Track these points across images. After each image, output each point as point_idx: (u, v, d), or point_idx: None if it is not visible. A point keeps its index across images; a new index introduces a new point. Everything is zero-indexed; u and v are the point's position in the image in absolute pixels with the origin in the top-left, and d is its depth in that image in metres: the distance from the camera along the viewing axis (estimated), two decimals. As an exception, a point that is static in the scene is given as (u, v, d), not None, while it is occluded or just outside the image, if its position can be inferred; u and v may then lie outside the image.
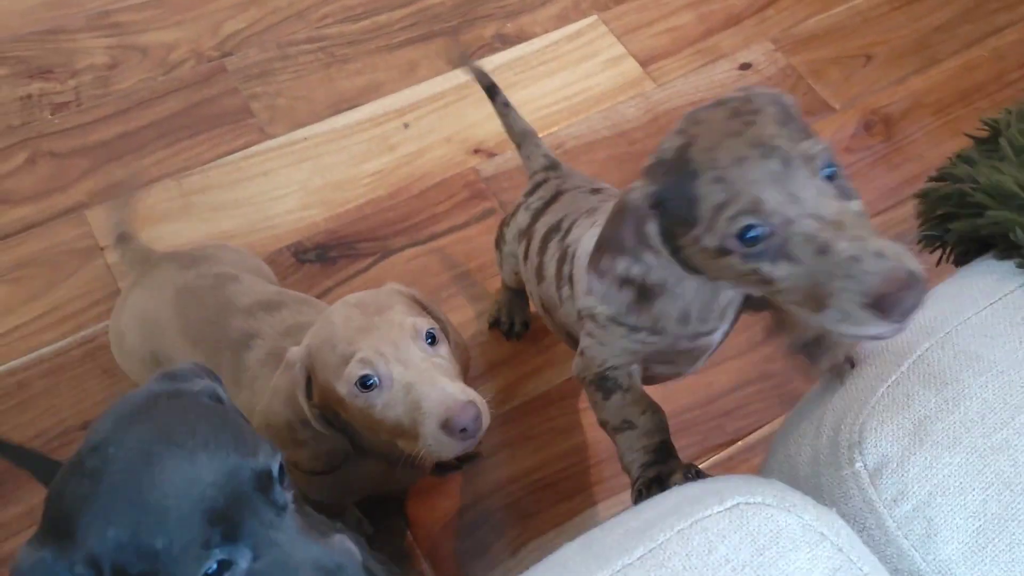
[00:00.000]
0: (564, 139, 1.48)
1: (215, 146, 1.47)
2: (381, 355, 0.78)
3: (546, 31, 1.64)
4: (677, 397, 1.18)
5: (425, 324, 0.81)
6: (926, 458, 0.55)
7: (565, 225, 0.90)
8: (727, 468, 1.15)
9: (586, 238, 0.83)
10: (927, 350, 0.60)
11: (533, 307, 1.07)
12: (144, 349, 1.03)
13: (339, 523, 0.72)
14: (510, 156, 1.45)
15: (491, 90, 1.15)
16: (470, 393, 0.78)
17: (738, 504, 0.55)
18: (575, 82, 1.56)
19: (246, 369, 0.93)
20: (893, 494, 0.55)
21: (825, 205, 0.55)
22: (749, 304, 0.74)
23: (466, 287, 1.32)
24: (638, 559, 0.53)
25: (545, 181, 1.07)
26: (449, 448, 0.77)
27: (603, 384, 0.77)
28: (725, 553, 0.52)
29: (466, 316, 1.29)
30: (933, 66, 1.60)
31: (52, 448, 1.13)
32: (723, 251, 0.57)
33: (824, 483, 0.59)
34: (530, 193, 1.07)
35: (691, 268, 0.63)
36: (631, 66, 1.59)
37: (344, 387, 0.78)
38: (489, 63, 1.59)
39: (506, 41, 1.63)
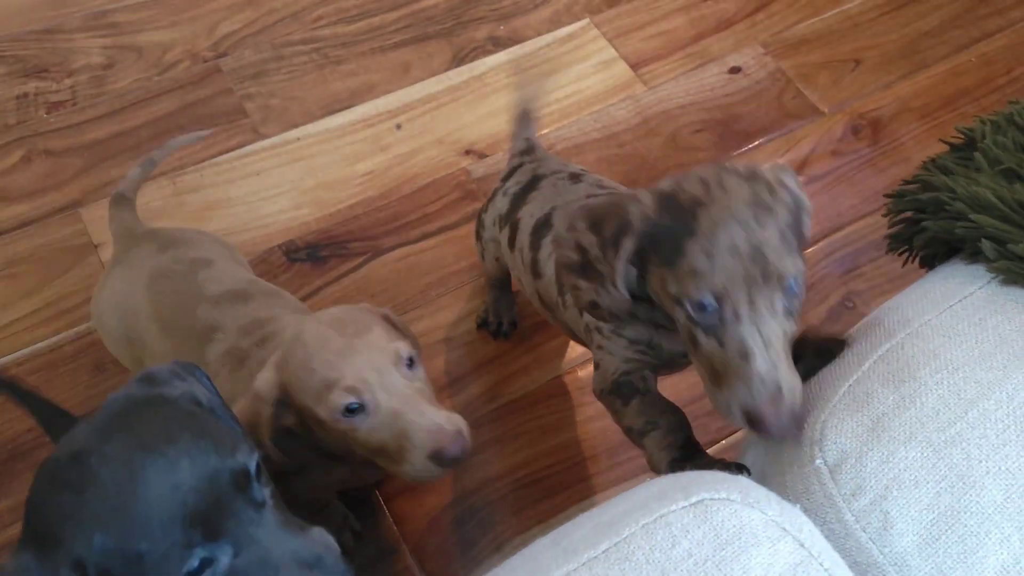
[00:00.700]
0: (555, 141, 1.50)
1: (209, 146, 1.48)
2: (365, 382, 0.77)
3: (539, 34, 1.66)
4: (661, 397, 1.19)
5: (406, 349, 0.81)
6: (883, 453, 0.56)
7: (556, 220, 0.92)
8: (710, 467, 1.17)
9: None
10: (888, 350, 0.61)
11: (516, 288, 1.07)
12: (120, 331, 1.03)
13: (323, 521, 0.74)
14: (501, 157, 1.46)
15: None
16: (456, 421, 0.79)
17: (703, 500, 0.56)
18: (566, 84, 1.58)
19: (206, 364, 0.93)
20: (852, 488, 0.57)
21: (767, 323, 0.62)
22: None
23: (455, 287, 1.33)
24: (603, 553, 0.54)
25: (520, 166, 1.09)
26: (434, 474, 0.78)
27: (620, 391, 0.79)
28: (688, 548, 0.54)
29: (455, 315, 1.31)
30: (921, 71, 1.62)
31: (44, 443, 1.15)
32: (677, 301, 0.65)
33: (788, 480, 0.61)
34: (507, 178, 1.09)
35: (643, 284, 0.69)
36: (622, 69, 1.61)
37: (325, 412, 0.78)
38: (482, 65, 1.60)
39: (499, 43, 1.64)
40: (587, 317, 0.84)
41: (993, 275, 0.64)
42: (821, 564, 0.54)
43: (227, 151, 1.48)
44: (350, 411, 0.77)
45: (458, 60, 1.61)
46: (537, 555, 0.60)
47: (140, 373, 0.68)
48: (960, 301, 0.62)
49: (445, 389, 1.23)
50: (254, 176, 1.46)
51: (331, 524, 1.03)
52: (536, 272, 0.96)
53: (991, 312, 0.61)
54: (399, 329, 0.86)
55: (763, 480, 0.62)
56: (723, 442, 1.20)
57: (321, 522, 0.69)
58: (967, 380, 0.57)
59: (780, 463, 0.62)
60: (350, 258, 1.36)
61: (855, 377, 0.61)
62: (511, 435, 1.21)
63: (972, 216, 0.64)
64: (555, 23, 1.67)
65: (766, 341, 0.62)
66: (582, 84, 1.59)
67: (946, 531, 0.54)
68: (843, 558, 0.56)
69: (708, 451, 0.71)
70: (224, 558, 0.60)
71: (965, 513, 0.54)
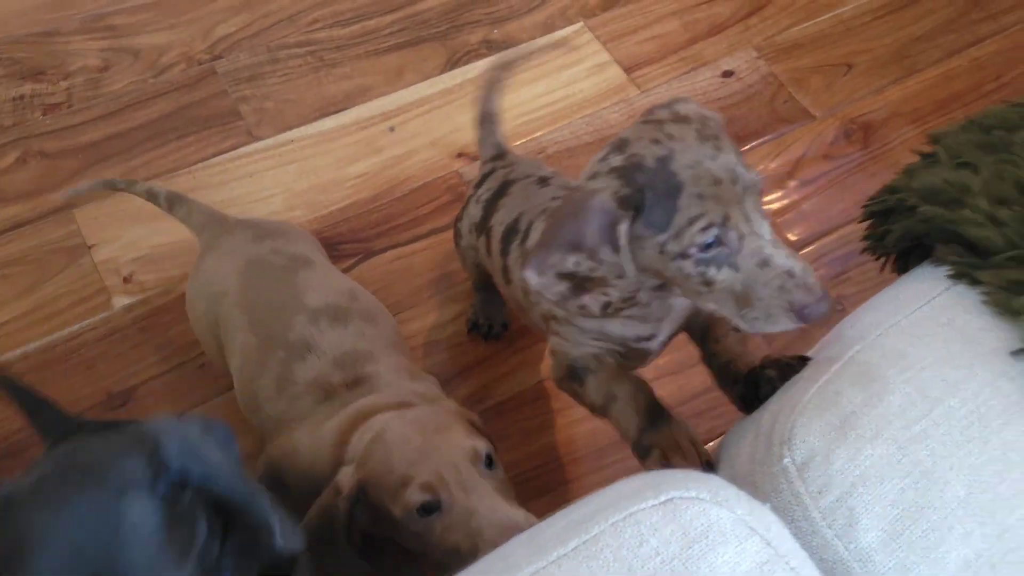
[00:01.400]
0: (546, 144, 1.51)
1: (203, 148, 1.49)
2: (442, 480, 0.75)
3: (532, 37, 1.67)
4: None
5: (484, 447, 0.80)
6: (850, 451, 0.57)
7: (523, 226, 0.92)
8: (697, 469, 1.17)
9: None
10: (858, 352, 0.62)
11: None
12: (208, 317, 1.02)
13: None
14: (492, 160, 1.48)
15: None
16: (532, 519, 0.76)
17: (672, 498, 0.57)
18: (559, 88, 1.59)
19: (293, 382, 0.92)
20: (818, 486, 0.58)
21: (765, 227, 0.66)
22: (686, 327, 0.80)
23: (446, 288, 1.34)
24: (572, 550, 0.55)
25: (492, 172, 1.09)
26: None
27: (575, 374, 0.81)
28: (655, 545, 0.54)
29: (445, 317, 1.31)
30: (913, 76, 1.62)
31: (35, 442, 1.16)
32: (682, 255, 0.65)
33: (759, 479, 0.61)
34: (479, 184, 1.09)
35: (641, 267, 0.68)
36: (615, 72, 1.62)
37: (400, 511, 0.76)
38: (476, 68, 1.61)
39: (493, 47, 1.65)
40: (543, 308, 0.83)
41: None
42: (788, 563, 0.55)
43: (221, 153, 1.49)
44: (426, 511, 0.75)
45: (452, 63, 1.62)
46: (510, 553, 0.60)
47: (73, 448, 0.64)
48: (929, 302, 0.63)
49: (434, 390, 1.24)
50: (247, 178, 1.46)
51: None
52: (507, 278, 0.96)
53: (959, 312, 0.62)
54: (478, 429, 0.85)
55: (736, 480, 0.63)
56: (711, 443, 1.20)
57: None
58: (934, 378, 0.58)
59: (752, 463, 0.63)
60: (342, 259, 1.37)
61: (825, 378, 0.61)
62: (498, 437, 1.20)
63: (922, 208, 0.65)
64: (549, 27, 1.68)
65: (772, 241, 0.65)
66: (575, 87, 1.59)
67: (910, 526, 0.55)
68: (810, 556, 0.56)
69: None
70: None
71: (929, 509, 0.55)
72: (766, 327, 0.65)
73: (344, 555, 0.79)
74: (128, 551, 0.58)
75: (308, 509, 0.82)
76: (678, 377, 1.24)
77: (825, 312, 0.63)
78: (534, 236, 0.89)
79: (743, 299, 0.65)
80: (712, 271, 0.65)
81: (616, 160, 0.67)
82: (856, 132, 1.54)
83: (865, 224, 0.78)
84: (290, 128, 1.53)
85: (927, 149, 0.76)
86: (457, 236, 1.15)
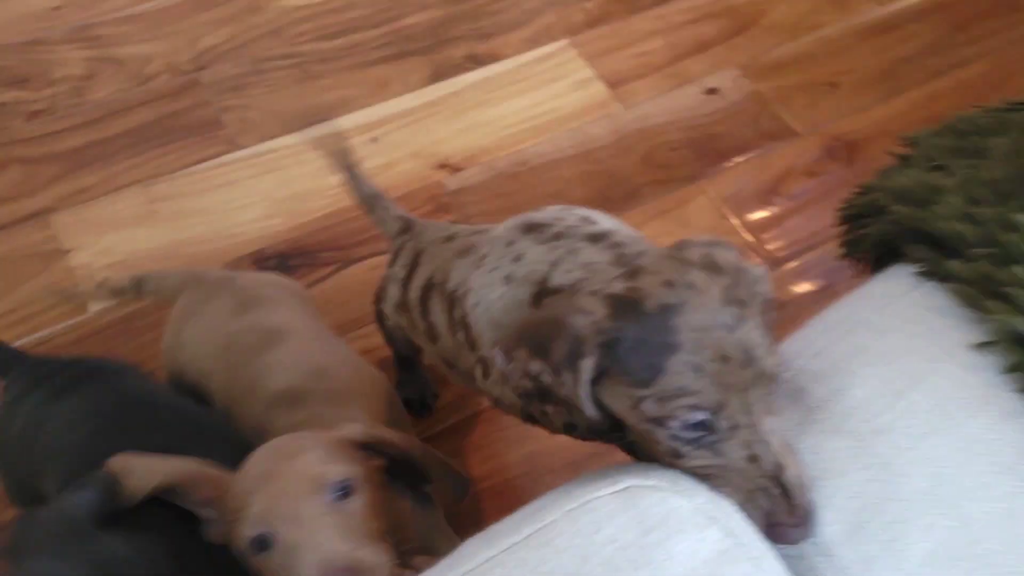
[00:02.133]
0: (529, 157, 1.50)
1: (184, 156, 1.49)
2: (272, 512, 0.67)
3: (517, 53, 1.67)
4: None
5: (337, 474, 0.69)
6: (811, 444, 0.56)
7: (439, 278, 0.86)
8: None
9: (476, 276, 0.76)
10: (823, 348, 0.61)
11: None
12: (199, 386, 0.98)
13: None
14: (475, 172, 1.47)
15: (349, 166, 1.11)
16: (361, 556, 0.66)
17: (630, 487, 0.55)
18: (543, 102, 1.59)
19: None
20: (781, 481, 0.56)
21: (766, 422, 0.56)
22: None
23: (424, 298, 1.33)
24: (525, 538, 0.54)
25: (402, 247, 1.01)
26: None
27: (531, 417, 0.77)
28: (611, 533, 0.53)
29: (423, 326, 1.30)
30: (898, 96, 1.63)
31: None
32: (657, 422, 0.57)
33: (721, 472, 0.60)
34: (393, 263, 1.02)
35: (600, 405, 0.61)
36: (599, 88, 1.62)
37: (237, 548, 0.69)
38: (460, 82, 1.61)
39: (477, 61, 1.65)
40: (483, 353, 0.77)
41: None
42: (748, 553, 0.54)
43: (202, 160, 1.49)
44: (260, 547, 0.67)
45: (436, 77, 1.62)
46: (465, 548, 0.58)
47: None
48: (897, 299, 0.63)
49: (410, 399, 1.22)
50: (227, 186, 1.46)
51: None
52: (432, 336, 0.89)
53: (925, 309, 0.61)
54: (383, 442, 0.76)
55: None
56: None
57: None
58: (898, 372, 0.57)
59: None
60: (319, 267, 1.36)
61: (789, 375, 0.60)
62: (477, 445, 1.20)
63: (894, 207, 0.64)
64: (534, 43, 1.69)
65: (767, 440, 0.56)
66: (559, 102, 1.59)
67: (872, 519, 0.53)
68: (772, 548, 0.55)
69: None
70: None
71: (891, 501, 0.54)
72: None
73: None
74: None
75: None
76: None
77: (798, 542, 0.55)
78: (455, 276, 0.82)
79: (715, 479, 0.57)
80: (687, 448, 0.57)
81: (618, 287, 0.59)
82: (840, 149, 1.54)
83: (837, 221, 0.77)
84: (273, 137, 1.52)
85: (902, 151, 0.76)
86: (381, 317, 1.08)
